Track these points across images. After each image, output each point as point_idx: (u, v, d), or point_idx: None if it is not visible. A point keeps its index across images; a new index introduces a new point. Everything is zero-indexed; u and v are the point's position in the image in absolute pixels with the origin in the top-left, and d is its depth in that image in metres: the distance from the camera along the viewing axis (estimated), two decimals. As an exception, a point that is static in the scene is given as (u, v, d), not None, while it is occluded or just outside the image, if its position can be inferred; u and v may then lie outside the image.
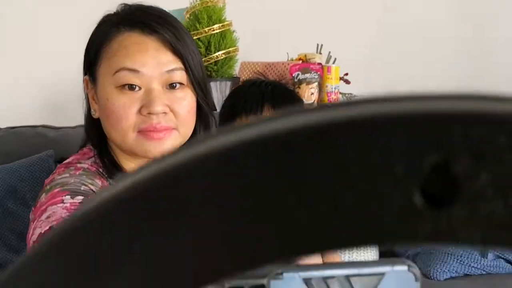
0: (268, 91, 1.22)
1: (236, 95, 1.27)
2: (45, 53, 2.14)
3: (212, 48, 1.97)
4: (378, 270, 0.34)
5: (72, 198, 0.91)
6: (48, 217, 0.90)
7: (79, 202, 0.90)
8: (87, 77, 1.03)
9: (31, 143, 1.63)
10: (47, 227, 0.88)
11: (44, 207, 0.92)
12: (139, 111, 0.95)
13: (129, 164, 1.03)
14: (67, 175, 0.97)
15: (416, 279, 0.34)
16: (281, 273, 0.33)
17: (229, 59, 2.07)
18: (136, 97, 0.95)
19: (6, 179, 1.55)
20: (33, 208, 0.97)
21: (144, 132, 0.96)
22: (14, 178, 1.54)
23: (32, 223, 0.94)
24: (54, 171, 1.02)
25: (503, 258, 1.75)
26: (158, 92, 0.96)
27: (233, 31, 2.10)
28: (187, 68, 0.98)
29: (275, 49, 2.30)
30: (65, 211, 0.89)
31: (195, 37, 1.95)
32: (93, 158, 1.02)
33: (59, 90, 2.07)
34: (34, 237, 0.89)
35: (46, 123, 1.78)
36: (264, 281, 0.31)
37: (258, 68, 2.16)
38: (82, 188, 0.94)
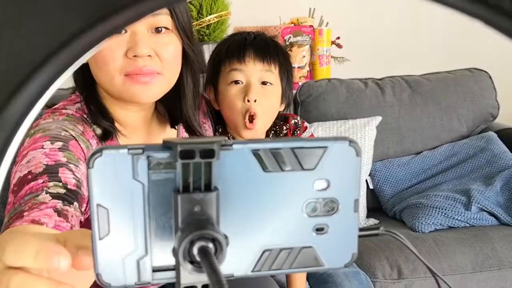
0: (250, 38, 1.25)
1: (221, 44, 1.30)
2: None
3: (204, 12, 1.98)
4: (321, 144, 0.36)
5: (52, 143, 0.92)
6: (28, 161, 0.90)
7: (58, 148, 0.91)
8: None
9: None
10: (26, 171, 0.88)
11: (25, 151, 0.93)
12: (125, 54, 0.97)
13: (117, 111, 1.05)
14: (51, 120, 0.99)
15: (357, 154, 0.37)
16: (231, 145, 0.35)
17: (221, 23, 2.08)
18: (122, 39, 0.97)
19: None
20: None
21: (130, 76, 0.97)
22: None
23: (14, 166, 0.95)
24: (41, 115, 1.03)
25: (486, 211, 1.78)
26: (143, 35, 0.97)
27: (225, -5, 2.10)
28: (172, 13, 0.99)
29: (267, 13, 2.30)
30: (44, 156, 0.90)
31: (187, 1, 1.96)
32: (79, 104, 1.03)
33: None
34: (14, 181, 0.89)
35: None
36: (214, 146, 0.33)
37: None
38: (62, 134, 0.94)
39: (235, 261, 0.37)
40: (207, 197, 0.34)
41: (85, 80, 1.03)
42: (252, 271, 0.37)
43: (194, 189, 0.34)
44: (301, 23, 2.23)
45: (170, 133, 1.15)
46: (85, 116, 1.02)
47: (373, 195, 2.01)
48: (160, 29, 0.99)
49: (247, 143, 0.35)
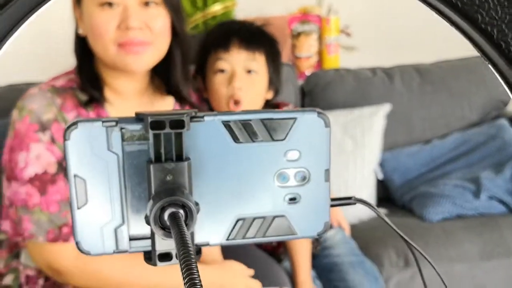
0: (235, 28, 1.27)
1: (207, 34, 1.33)
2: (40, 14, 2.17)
3: (209, 2, 1.99)
4: (290, 115, 0.37)
5: (43, 134, 1.05)
6: (37, 157, 1.05)
7: (51, 140, 1.05)
8: None
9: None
10: (42, 170, 1.04)
11: (24, 140, 1.05)
12: (118, 26, 1.06)
13: (111, 80, 1.13)
14: (36, 90, 1.09)
15: (326, 125, 0.38)
16: (202, 117, 0.36)
17: (227, 14, 2.09)
18: (115, 13, 1.06)
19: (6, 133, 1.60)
20: (11, 124, 1.09)
21: (123, 46, 1.06)
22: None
23: (16, 151, 1.06)
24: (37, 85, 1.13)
25: (495, 199, 1.77)
26: (134, 8, 1.06)
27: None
28: None
29: (274, 3, 2.30)
30: (48, 152, 1.04)
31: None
32: (73, 75, 1.13)
33: (55, 49, 2.11)
34: (31, 174, 1.04)
35: (44, 80, 1.83)
36: (183, 117, 0.35)
37: (257, 23, 2.17)
38: (44, 119, 1.05)
39: (210, 230, 0.38)
40: (178, 167, 0.35)
41: (83, 52, 1.12)
42: (227, 239, 0.39)
43: (166, 160, 0.35)
44: (309, 12, 2.23)
45: (164, 106, 1.20)
46: (75, 85, 1.11)
47: (382, 185, 2.00)
48: (149, 3, 1.08)
49: (218, 114, 0.37)
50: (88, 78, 1.11)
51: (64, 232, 1.06)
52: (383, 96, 2.03)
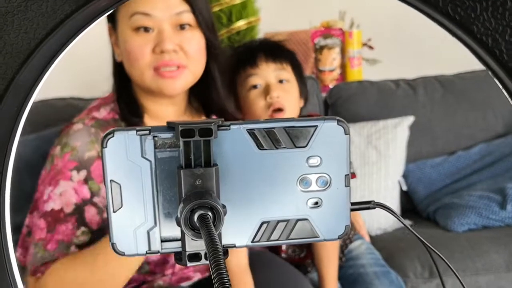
0: (256, 45, 1.31)
1: (231, 58, 1.36)
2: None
3: (234, 18, 2.03)
4: (311, 123, 0.39)
5: (78, 173, 1.05)
6: (61, 194, 1.04)
7: (83, 180, 1.04)
8: (110, 24, 1.14)
9: (63, 113, 1.74)
10: (59, 207, 1.04)
11: (57, 176, 1.05)
12: (153, 50, 1.06)
13: (150, 105, 1.14)
14: (81, 125, 1.09)
15: (345, 132, 0.40)
16: (229, 125, 0.39)
17: (251, 29, 2.12)
18: (150, 38, 1.06)
19: (42, 146, 1.65)
20: (50, 157, 1.09)
21: (158, 71, 1.07)
22: (49, 145, 1.64)
23: (45, 185, 1.06)
24: (79, 115, 1.14)
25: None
26: (169, 32, 1.06)
27: (255, 1, 2.14)
28: (194, 10, 1.08)
29: (297, 18, 2.34)
30: (73, 192, 1.04)
31: (217, 8, 2.01)
32: (113, 104, 1.13)
33: (86, 66, 2.17)
34: (47, 208, 1.04)
35: (75, 95, 1.89)
36: (211, 126, 0.37)
37: (280, 38, 2.20)
38: (86, 156, 1.06)
39: (236, 233, 0.40)
40: (207, 172, 0.38)
41: (121, 78, 1.13)
42: (252, 241, 0.41)
43: (195, 165, 0.38)
44: (332, 26, 2.25)
45: None
46: (117, 116, 1.11)
47: (406, 196, 2.00)
48: (183, 26, 1.08)
49: (243, 123, 0.39)
50: (127, 106, 1.11)
51: (44, 267, 1.03)
52: (407, 107, 2.04)
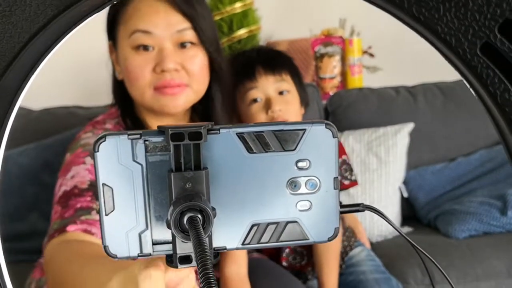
0: (253, 56, 1.30)
1: (233, 69, 1.35)
2: (75, 38, 2.25)
3: (235, 27, 2.04)
4: (300, 127, 0.40)
5: (91, 158, 1.00)
6: (72, 176, 1.00)
7: None
8: (110, 42, 1.13)
9: (64, 121, 1.75)
10: (72, 186, 0.98)
11: (69, 166, 1.02)
12: (154, 70, 1.04)
13: (152, 122, 1.12)
14: (91, 134, 1.08)
15: (333, 136, 0.41)
16: (218, 129, 0.40)
17: (252, 38, 2.14)
18: (150, 56, 1.04)
19: (43, 154, 1.67)
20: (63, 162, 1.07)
21: (159, 89, 1.04)
22: (49, 153, 1.65)
23: (59, 179, 1.04)
24: (84, 128, 1.12)
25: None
26: (170, 50, 1.04)
27: (256, 10, 2.16)
28: (197, 28, 1.05)
29: (298, 26, 2.35)
30: (87, 172, 0.99)
31: (218, 17, 2.03)
32: (117, 119, 1.12)
33: (88, 74, 2.19)
34: (60, 193, 1.00)
35: (78, 103, 1.90)
36: (201, 130, 0.38)
37: (281, 46, 2.21)
38: None
39: (227, 235, 0.41)
40: (197, 175, 0.38)
41: (123, 95, 1.11)
42: (243, 244, 0.41)
43: (186, 169, 0.39)
44: (332, 34, 2.26)
45: None
46: (121, 129, 1.10)
47: (407, 203, 2.00)
48: (185, 44, 1.05)
49: (232, 127, 0.40)
50: (132, 123, 1.09)
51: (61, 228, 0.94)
52: (407, 114, 2.04)
